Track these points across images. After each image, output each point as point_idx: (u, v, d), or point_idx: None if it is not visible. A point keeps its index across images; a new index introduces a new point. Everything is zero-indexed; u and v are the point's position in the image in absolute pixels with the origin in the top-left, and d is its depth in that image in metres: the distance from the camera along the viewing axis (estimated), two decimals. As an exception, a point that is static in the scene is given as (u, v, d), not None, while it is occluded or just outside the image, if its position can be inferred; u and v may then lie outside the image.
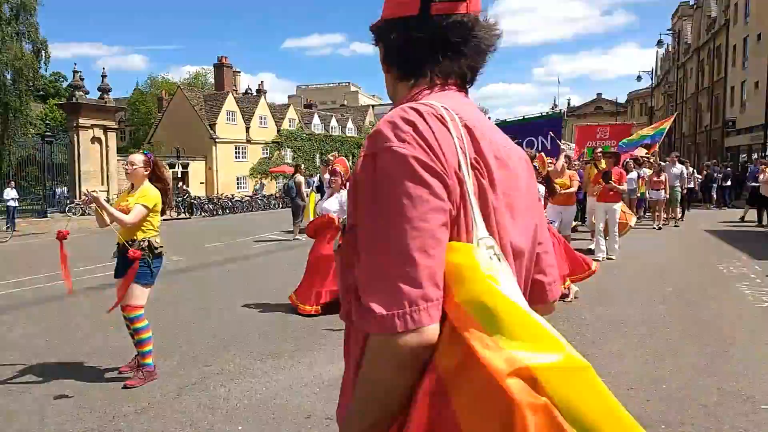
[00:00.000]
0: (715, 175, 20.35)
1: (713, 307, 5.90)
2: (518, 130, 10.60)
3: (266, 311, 6.17)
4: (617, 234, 8.93)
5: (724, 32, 36.62)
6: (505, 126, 11.82)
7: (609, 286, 7.07)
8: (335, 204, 5.97)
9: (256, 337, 5.19)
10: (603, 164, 9.32)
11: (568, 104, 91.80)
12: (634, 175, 12.81)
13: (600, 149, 10.30)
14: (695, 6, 45.90)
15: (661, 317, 5.49)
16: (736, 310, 5.76)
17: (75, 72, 26.80)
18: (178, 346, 4.95)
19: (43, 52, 25.92)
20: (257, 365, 4.44)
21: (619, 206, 8.94)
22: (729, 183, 20.14)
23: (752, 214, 14.18)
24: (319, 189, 14.47)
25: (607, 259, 8.72)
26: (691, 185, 17.31)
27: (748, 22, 32.22)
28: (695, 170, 18.85)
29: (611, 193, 8.76)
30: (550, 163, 8.04)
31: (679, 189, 13.69)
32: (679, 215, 14.05)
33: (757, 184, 13.81)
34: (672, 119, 15.36)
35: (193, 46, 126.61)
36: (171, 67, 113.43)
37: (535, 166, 6.28)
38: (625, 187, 9.07)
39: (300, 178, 12.26)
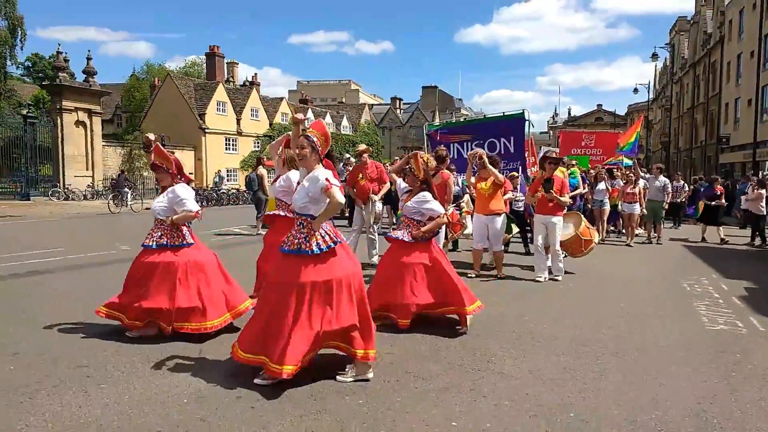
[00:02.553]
0: (702, 190, 19.97)
1: (661, 327, 5.48)
2: (479, 129, 9.98)
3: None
4: (560, 252, 7.82)
5: (719, 48, 36.34)
6: (465, 125, 11.15)
7: (557, 301, 6.67)
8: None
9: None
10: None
11: (569, 114, 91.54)
12: (602, 185, 12.21)
13: (551, 156, 8.48)
14: (692, 21, 45.65)
15: (601, 335, 5.07)
16: (685, 332, 5.34)
17: (59, 52, 26.27)
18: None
19: (19, 29, 25.33)
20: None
21: (560, 220, 7.76)
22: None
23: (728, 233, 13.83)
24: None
25: (551, 279, 7.69)
26: (681, 200, 16.83)
27: (742, 38, 31.92)
28: (686, 184, 18.31)
29: (551, 204, 7.64)
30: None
31: (662, 204, 12.67)
32: (661, 232, 12.92)
33: (711, 203, 13.54)
34: (640, 123, 14.62)
35: (199, 36, 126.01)
36: (176, 56, 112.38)
37: (410, 168, 5.25)
38: (567, 198, 7.86)
39: (262, 170, 11.83)
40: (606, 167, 13.64)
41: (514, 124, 9.60)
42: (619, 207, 12.46)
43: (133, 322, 4.63)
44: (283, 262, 3.77)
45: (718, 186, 14.07)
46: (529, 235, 10.22)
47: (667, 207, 13.31)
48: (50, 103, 27.78)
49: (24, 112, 27.13)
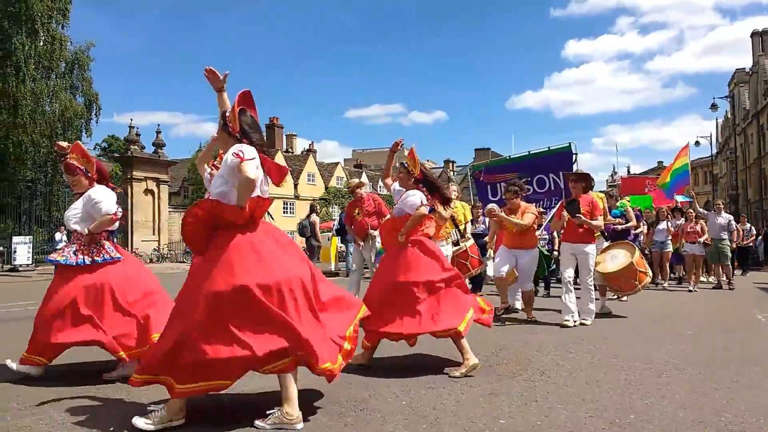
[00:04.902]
0: (775, 236, 18.83)
1: (732, 348, 5.08)
2: (525, 167, 9.54)
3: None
4: (591, 287, 6.51)
5: (784, 95, 35.17)
6: (510, 163, 10.53)
7: (615, 327, 6.33)
8: None
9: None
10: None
11: (628, 171, 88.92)
12: (663, 225, 11.41)
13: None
14: (751, 72, 44.61)
15: (664, 355, 4.73)
16: (759, 351, 4.92)
17: (131, 127, 28.27)
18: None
19: (94, 104, 27.50)
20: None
21: (593, 249, 6.53)
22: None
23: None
24: (339, 232, 14.16)
25: (580, 324, 6.30)
26: (749, 244, 15.78)
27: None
28: (752, 227, 17.21)
29: (581, 230, 6.42)
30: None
31: (728, 243, 11.34)
32: (730, 275, 11.33)
33: None
34: (687, 149, 13.33)
35: (261, 114, 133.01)
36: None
37: (404, 164, 4.56)
38: (600, 222, 6.55)
39: (315, 218, 12.05)
40: (674, 206, 12.74)
41: (561, 158, 9.18)
42: (681, 249, 11.61)
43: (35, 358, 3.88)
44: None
45: None
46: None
47: (734, 247, 12.19)
48: (122, 175, 29.74)
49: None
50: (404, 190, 4.49)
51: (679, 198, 12.56)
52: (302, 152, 50.15)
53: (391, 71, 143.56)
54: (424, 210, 4.32)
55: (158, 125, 29.71)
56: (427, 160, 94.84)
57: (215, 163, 3.30)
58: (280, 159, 41.02)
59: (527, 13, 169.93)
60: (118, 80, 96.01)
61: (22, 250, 19.45)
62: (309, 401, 3.37)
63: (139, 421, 2.83)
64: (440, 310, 4.07)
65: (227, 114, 3.12)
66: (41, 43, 25.12)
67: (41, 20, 24.67)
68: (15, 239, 19.67)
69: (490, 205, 6.59)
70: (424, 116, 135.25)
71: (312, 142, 50.75)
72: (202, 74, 3.41)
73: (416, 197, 4.33)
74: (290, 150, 49.86)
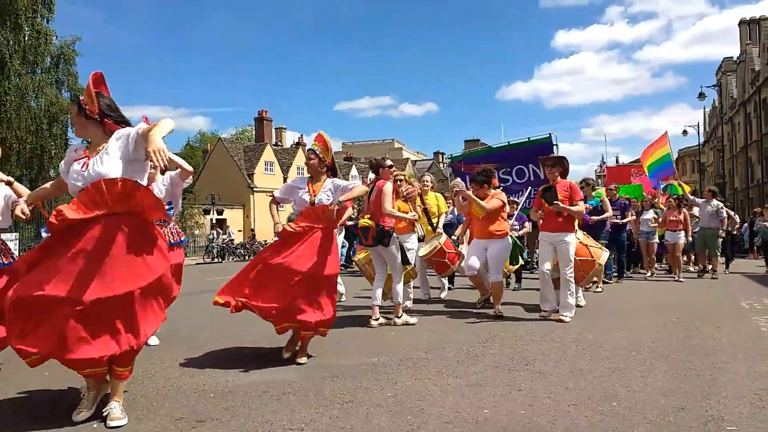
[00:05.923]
0: (756, 225, 18.99)
1: (716, 334, 5.14)
2: (505, 157, 9.58)
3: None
4: (571, 280, 5.96)
5: (769, 84, 35.45)
6: (489, 153, 10.40)
7: (602, 316, 6.39)
8: None
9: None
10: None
11: (617, 162, 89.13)
12: (650, 214, 11.26)
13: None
14: (739, 61, 44.92)
15: (650, 343, 4.78)
16: (742, 338, 4.99)
17: (118, 120, 27.99)
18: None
19: (79, 99, 27.22)
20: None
21: (572, 237, 6.04)
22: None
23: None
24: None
25: (558, 320, 5.86)
26: (734, 232, 15.78)
27: (795, 71, 31.09)
28: (736, 214, 17.29)
29: (560, 218, 5.99)
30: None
31: (716, 231, 11.00)
32: (721, 264, 11.16)
33: None
34: (665, 137, 13.17)
35: (251, 108, 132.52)
36: (229, 128, 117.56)
37: (314, 150, 4.71)
38: (580, 207, 6.05)
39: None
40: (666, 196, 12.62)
41: (541, 149, 9.07)
42: (665, 237, 11.37)
43: None
44: None
45: None
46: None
47: (724, 235, 12.07)
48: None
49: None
50: (306, 178, 4.69)
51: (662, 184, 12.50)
52: (292, 145, 49.89)
53: (380, 63, 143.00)
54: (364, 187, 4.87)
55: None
56: (417, 152, 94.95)
57: (84, 150, 3.05)
58: (269, 154, 40.86)
59: (517, 3, 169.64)
60: (107, 74, 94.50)
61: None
62: (295, 395, 3.38)
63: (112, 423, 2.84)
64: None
65: (81, 98, 3.03)
66: (26, 38, 24.73)
67: (25, 14, 24.26)
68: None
69: (456, 181, 6.48)
70: (415, 108, 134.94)
71: (302, 135, 50.50)
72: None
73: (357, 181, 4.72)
74: (280, 143, 49.62)
